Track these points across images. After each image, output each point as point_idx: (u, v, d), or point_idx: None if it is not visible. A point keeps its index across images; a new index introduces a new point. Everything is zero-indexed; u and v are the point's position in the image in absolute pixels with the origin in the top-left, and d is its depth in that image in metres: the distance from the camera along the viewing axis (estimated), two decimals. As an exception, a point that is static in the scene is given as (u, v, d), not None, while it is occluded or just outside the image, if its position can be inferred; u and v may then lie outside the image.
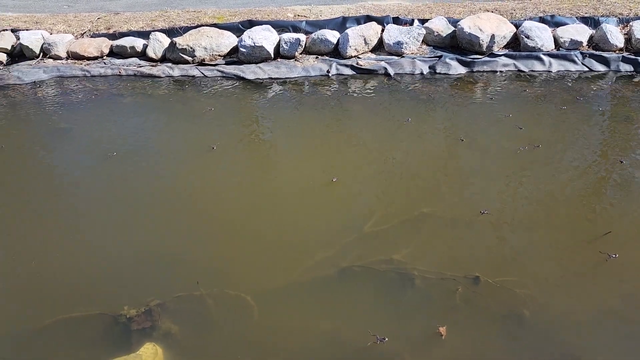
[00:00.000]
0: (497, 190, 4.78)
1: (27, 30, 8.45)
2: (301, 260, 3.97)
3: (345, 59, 7.58)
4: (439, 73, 7.25)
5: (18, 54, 8.23)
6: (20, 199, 4.97)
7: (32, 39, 8.11)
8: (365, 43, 7.61)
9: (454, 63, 7.31)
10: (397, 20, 7.92)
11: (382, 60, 7.45)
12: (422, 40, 7.65)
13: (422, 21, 7.90)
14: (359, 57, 7.59)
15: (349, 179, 5.02)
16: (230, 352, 3.27)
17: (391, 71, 7.27)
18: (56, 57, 8.14)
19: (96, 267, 3.99)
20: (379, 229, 4.33)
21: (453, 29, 7.64)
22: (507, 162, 5.17)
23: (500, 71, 7.25)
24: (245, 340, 3.37)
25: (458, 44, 7.60)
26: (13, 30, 8.46)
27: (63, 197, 5.00)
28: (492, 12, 7.97)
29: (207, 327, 3.44)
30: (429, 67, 7.33)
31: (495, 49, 7.41)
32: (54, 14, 9.60)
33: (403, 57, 7.47)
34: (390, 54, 7.58)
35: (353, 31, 7.58)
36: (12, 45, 8.22)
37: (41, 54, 8.17)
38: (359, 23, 7.92)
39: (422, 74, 7.27)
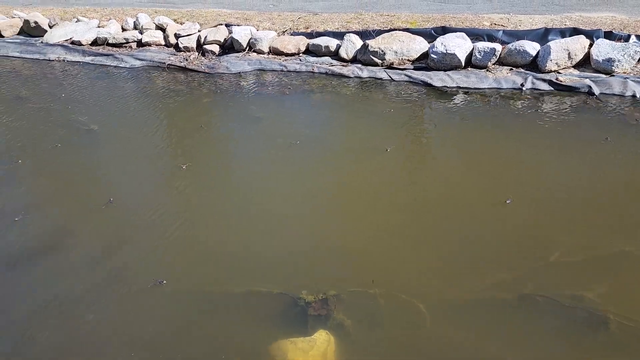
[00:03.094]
0: None
1: (238, 25, 9.39)
2: (480, 278, 3.80)
3: (542, 73, 7.08)
4: (656, 97, 6.40)
5: (228, 47, 9.19)
6: (212, 176, 5.52)
7: (242, 34, 8.99)
8: (569, 58, 7.01)
9: (677, 87, 6.39)
10: (609, 35, 7.16)
11: (586, 78, 6.80)
12: (639, 59, 6.80)
13: (641, 37, 7.04)
14: (558, 72, 7.03)
15: (526, 201, 4.66)
16: (398, 356, 3.26)
17: (596, 90, 6.60)
18: (259, 52, 8.92)
19: (281, 248, 4.27)
20: (568, 260, 3.97)
21: (680, 48, 6.68)
22: None
23: None
24: (414, 347, 3.34)
25: (684, 66, 6.62)
26: (227, 25, 9.47)
27: (248, 179, 5.44)
28: None
29: (378, 326, 3.48)
30: (644, 90, 6.50)
31: None
32: (261, 12, 10.52)
33: (612, 76, 6.73)
34: (597, 71, 6.88)
35: (556, 44, 7.03)
36: (225, 38, 9.19)
37: (247, 48, 9.01)
38: (563, 36, 7.33)
39: (634, 96, 6.46)
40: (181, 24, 9.92)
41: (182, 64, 8.97)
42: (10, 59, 10.07)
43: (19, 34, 10.88)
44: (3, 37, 10.80)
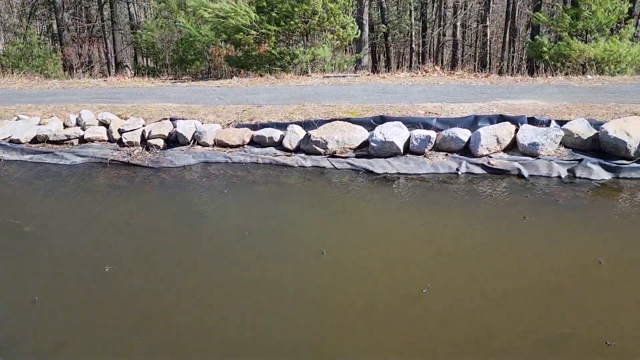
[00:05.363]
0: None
1: (183, 119, 9.53)
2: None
3: (475, 157, 7.46)
4: (579, 177, 6.81)
5: (173, 140, 9.26)
6: (137, 280, 5.21)
7: (186, 128, 9.11)
8: (498, 142, 7.46)
9: (597, 168, 6.84)
10: (532, 121, 7.72)
11: (515, 161, 7.21)
12: (560, 142, 7.31)
13: (560, 122, 7.61)
14: (490, 157, 7.43)
15: (458, 288, 4.69)
16: None
17: (525, 172, 6.98)
18: (204, 144, 9.01)
19: (217, 350, 4.09)
20: (512, 346, 3.98)
21: (595, 132, 7.24)
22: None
23: (654, 179, 6.63)
24: None
25: (601, 148, 7.14)
26: (171, 119, 9.59)
27: (176, 281, 5.16)
28: (641, 115, 7.46)
29: None
30: (568, 171, 6.93)
31: (646, 155, 6.84)
32: (207, 105, 10.76)
33: (539, 158, 7.17)
34: (525, 154, 7.32)
35: (485, 130, 7.49)
36: (169, 132, 9.27)
37: (192, 141, 9.10)
38: (491, 122, 7.84)
39: (559, 177, 6.88)
40: (125, 119, 9.97)
41: (125, 159, 8.92)
42: (-57, 160, 9.73)
43: (-45, 133, 10.61)
44: (-63, 137, 10.50)
